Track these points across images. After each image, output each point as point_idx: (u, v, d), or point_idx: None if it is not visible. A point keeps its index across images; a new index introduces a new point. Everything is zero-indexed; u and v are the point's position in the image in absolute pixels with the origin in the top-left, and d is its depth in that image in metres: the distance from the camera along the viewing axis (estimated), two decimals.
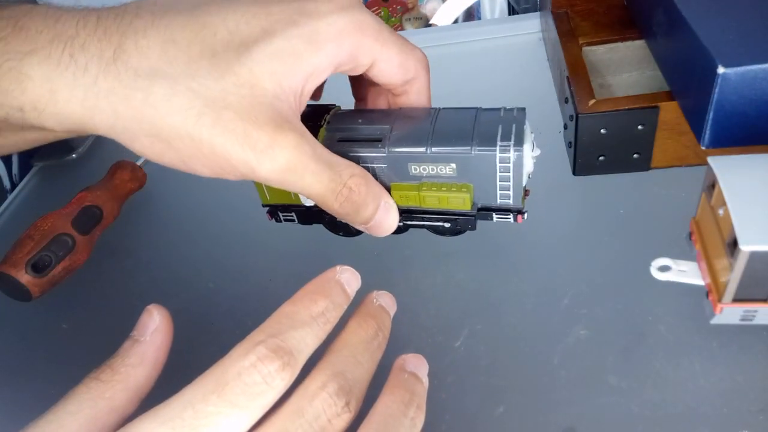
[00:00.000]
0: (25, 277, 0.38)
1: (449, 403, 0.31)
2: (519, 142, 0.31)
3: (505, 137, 0.31)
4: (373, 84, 0.35)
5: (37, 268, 0.39)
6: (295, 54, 0.26)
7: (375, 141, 0.32)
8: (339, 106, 0.36)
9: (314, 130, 0.33)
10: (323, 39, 0.27)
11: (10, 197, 0.55)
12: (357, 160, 0.32)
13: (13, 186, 0.56)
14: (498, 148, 0.31)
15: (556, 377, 0.31)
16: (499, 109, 0.33)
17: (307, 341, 0.22)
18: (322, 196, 0.29)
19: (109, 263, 0.44)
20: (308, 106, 0.33)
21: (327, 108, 0.36)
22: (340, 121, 0.34)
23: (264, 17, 0.26)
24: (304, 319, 0.22)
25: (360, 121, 0.34)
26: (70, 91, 0.24)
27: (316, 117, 0.34)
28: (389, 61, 0.30)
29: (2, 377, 0.39)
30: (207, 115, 0.25)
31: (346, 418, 0.22)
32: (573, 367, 0.32)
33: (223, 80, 0.25)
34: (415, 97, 0.34)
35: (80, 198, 0.43)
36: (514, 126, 0.32)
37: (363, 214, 0.31)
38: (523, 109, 0.33)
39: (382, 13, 0.78)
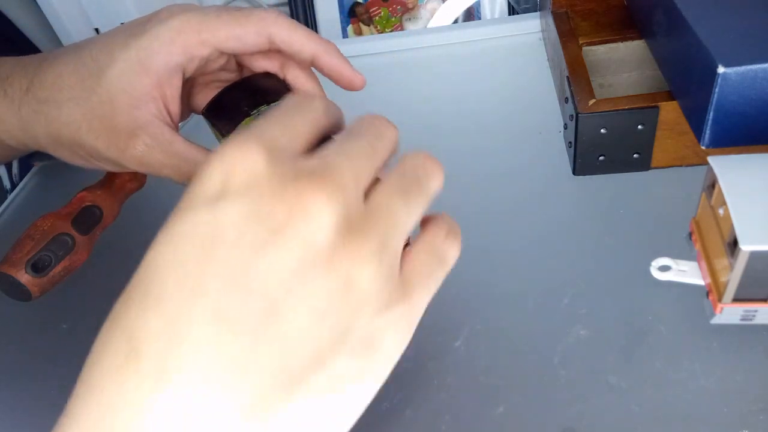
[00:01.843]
0: (24, 277, 0.38)
1: (449, 403, 0.31)
2: None
3: None
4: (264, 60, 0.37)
5: (37, 267, 0.39)
6: (133, 72, 0.32)
7: None
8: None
9: (240, 117, 0.34)
10: (153, 53, 0.32)
11: (10, 197, 0.55)
12: None
13: (13, 186, 0.56)
14: None
15: (556, 377, 0.31)
16: None
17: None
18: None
19: (109, 263, 0.44)
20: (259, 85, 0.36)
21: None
22: None
23: (109, 46, 0.33)
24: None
25: None
26: (8, 116, 0.35)
27: (255, 103, 0.34)
28: (228, 41, 0.33)
29: (2, 377, 0.39)
30: (84, 126, 0.33)
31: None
32: (573, 366, 0.32)
33: (92, 99, 0.32)
34: (295, 49, 0.34)
35: (80, 198, 0.43)
36: None
37: None
38: None
39: (382, 13, 0.78)
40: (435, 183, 0.24)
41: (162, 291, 0.19)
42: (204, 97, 0.38)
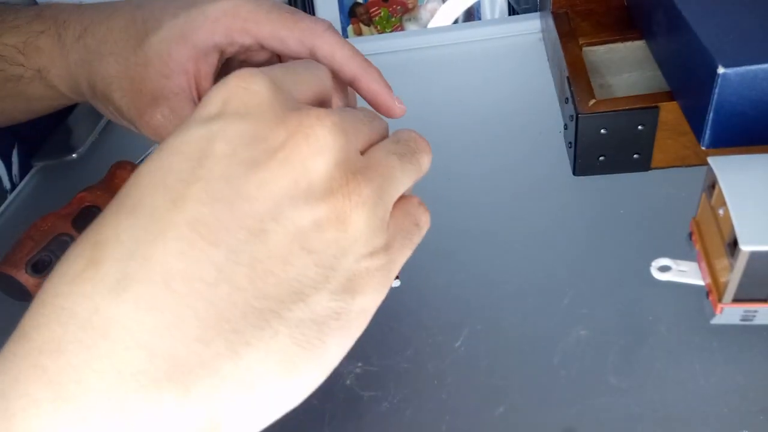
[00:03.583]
0: (24, 277, 0.38)
1: (449, 403, 0.31)
2: None
3: None
4: None
5: (37, 268, 0.39)
6: (174, 40, 0.32)
7: None
8: None
9: None
10: (197, 27, 0.32)
11: (10, 197, 0.55)
12: None
13: (13, 186, 0.56)
14: None
15: (556, 377, 0.31)
16: None
17: None
18: None
19: None
20: None
21: None
22: None
23: (161, 11, 0.33)
24: None
25: None
26: (59, 60, 0.35)
27: None
28: (270, 39, 0.32)
29: None
30: (115, 84, 0.33)
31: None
32: (573, 367, 0.32)
33: (130, 59, 0.33)
34: (335, 67, 0.33)
35: (80, 198, 0.43)
36: None
37: None
38: None
39: (382, 13, 0.78)
40: (425, 159, 0.24)
41: (139, 200, 0.18)
42: None
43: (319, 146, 0.19)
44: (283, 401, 0.19)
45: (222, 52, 0.33)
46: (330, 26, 0.33)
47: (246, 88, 0.19)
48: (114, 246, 0.17)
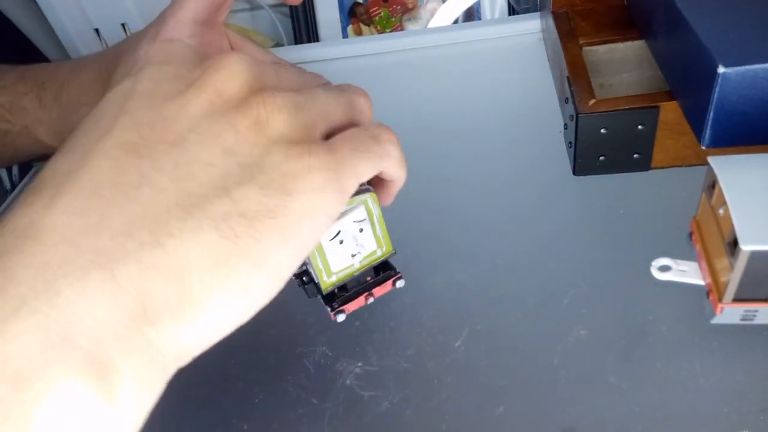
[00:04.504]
0: None
1: (449, 403, 0.31)
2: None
3: None
4: None
5: None
6: None
7: None
8: None
9: None
10: None
11: (10, 197, 0.55)
12: None
13: (13, 186, 0.56)
14: None
15: (557, 377, 0.31)
16: None
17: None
18: None
19: None
20: None
21: None
22: None
23: (120, 54, 0.36)
24: None
25: None
26: (44, 119, 0.39)
27: None
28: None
29: None
30: None
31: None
32: (573, 367, 0.32)
33: None
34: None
35: None
36: None
37: None
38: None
39: (382, 13, 0.78)
40: (358, 100, 0.25)
41: (74, 140, 0.20)
42: None
43: (230, 72, 0.21)
44: (223, 303, 0.19)
45: None
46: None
47: (167, 44, 0.22)
48: (51, 175, 0.19)
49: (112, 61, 0.36)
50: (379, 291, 0.32)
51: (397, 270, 0.32)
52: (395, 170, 0.25)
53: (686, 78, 0.35)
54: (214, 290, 0.19)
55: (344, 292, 0.31)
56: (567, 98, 0.42)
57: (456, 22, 0.74)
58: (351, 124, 0.25)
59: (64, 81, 0.38)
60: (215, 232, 0.19)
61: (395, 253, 0.31)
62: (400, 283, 0.32)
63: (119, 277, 0.18)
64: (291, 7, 0.77)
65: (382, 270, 0.32)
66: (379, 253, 0.30)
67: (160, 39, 0.22)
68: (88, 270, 0.17)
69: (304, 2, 0.76)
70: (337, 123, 0.24)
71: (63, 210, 0.18)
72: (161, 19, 0.34)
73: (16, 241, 0.18)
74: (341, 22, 0.78)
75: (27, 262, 0.17)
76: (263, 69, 0.22)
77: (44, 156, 0.44)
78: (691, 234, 0.33)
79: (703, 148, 0.33)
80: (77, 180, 0.18)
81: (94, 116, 0.20)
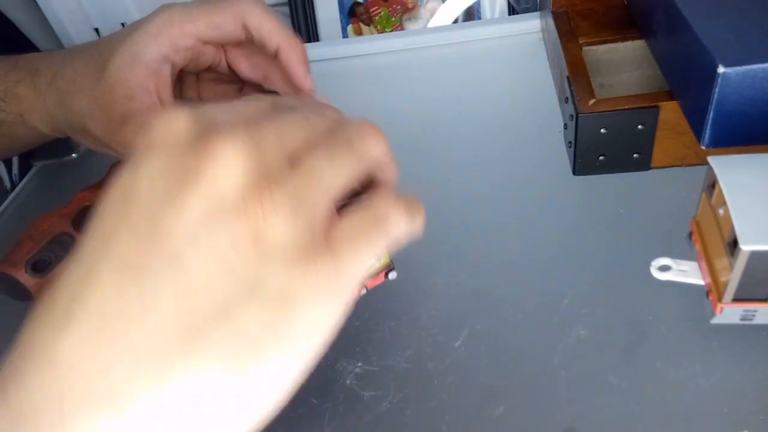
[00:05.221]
0: (24, 277, 0.38)
1: (449, 403, 0.31)
2: None
3: None
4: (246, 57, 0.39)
5: (37, 268, 0.39)
6: (128, 64, 0.35)
7: None
8: None
9: None
10: (143, 46, 0.35)
11: (10, 197, 0.55)
12: None
13: (13, 186, 0.56)
14: None
15: (557, 377, 0.31)
16: None
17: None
18: None
19: None
20: None
21: None
22: None
23: (113, 42, 0.36)
24: None
25: None
26: (38, 106, 0.39)
27: None
28: (207, 30, 0.36)
29: None
30: (88, 115, 0.37)
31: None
32: (573, 366, 0.32)
33: (96, 91, 0.36)
34: (263, 36, 0.35)
35: (80, 198, 0.43)
36: None
37: None
38: None
39: (382, 12, 0.78)
40: (371, 145, 0.23)
41: (82, 249, 0.20)
42: (197, 93, 0.41)
43: (225, 166, 0.19)
44: (238, 420, 0.19)
45: (172, 63, 0.36)
46: (257, 2, 0.36)
47: (163, 125, 0.20)
48: (62, 293, 0.19)
49: (106, 48, 0.36)
50: (371, 283, 0.32)
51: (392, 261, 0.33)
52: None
53: (686, 78, 0.35)
54: (223, 423, 0.19)
55: None
56: (567, 98, 0.42)
57: (456, 21, 0.74)
58: (367, 180, 0.24)
59: (58, 67, 0.38)
60: (219, 364, 0.18)
61: (393, 265, 0.32)
62: (392, 275, 0.32)
63: (129, 413, 0.18)
64: (291, 7, 0.77)
65: None
66: (377, 264, 0.31)
67: (160, 115, 0.20)
68: (99, 407, 0.18)
69: (304, 2, 0.76)
70: (348, 189, 0.22)
71: (76, 337, 0.18)
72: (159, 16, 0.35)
73: (35, 365, 0.18)
74: (341, 21, 0.78)
75: (46, 392, 0.18)
76: (262, 148, 0.20)
77: (42, 148, 0.44)
78: (690, 234, 0.33)
79: (703, 147, 0.33)
80: (85, 303, 0.18)
81: (97, 221, 0.20)
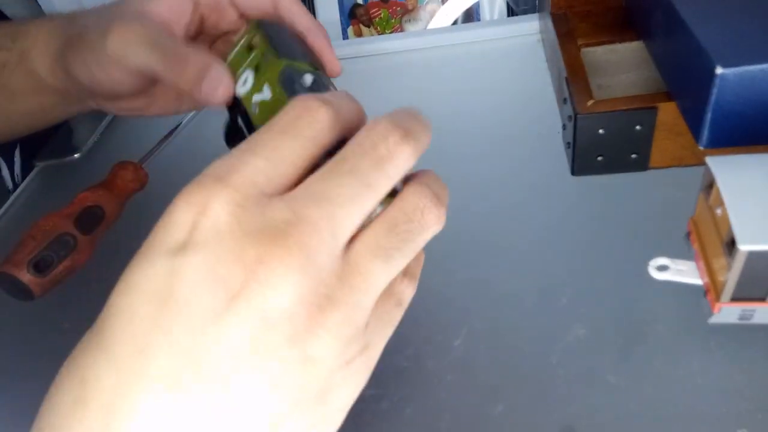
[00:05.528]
0: (26, 277, 0.38)
1: (449, 402, 0.31)
2: None
3: None
4: None
5: (39, 267, 0.39)
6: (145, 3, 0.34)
7: None
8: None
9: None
10: None
11: (12, 197, 0.55)
12: None
13: (15, 186, 0.56)
14: None
15: (555, 376, 0.32)
16: None
17: None
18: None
19: (110, 263, 0.44)
20: None
21: None
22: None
23: None
24: None
25: None
26: (46, 32, 0.37)
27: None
28: None
29: (3, 377, 0.39)
30: (107, 29, 0.33)
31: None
32: (572, 365, 0.32)
33: (116, 12, 0.34)
34: (294, 19, 0.35)
35: (82, 198, 0.43)
36: None
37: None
38: None
39: (382, 14, 0.78)
40: (429, 233, 0.22)
41: (113, 343, 0.18)
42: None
43: (276, 290, 0.18)
44: None
45: (196, 4, 0.35)
46: None
47: (207, 209, 0.18)
48: (95, 389, 0.18)
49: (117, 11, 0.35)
50: None
51: None
52: None
53: (684, 79, 0.35)
54: None
55: None
56: (565, 99, 0.42)
57: (455, 23, 0.74)
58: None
59: (77, 14, 0.37)
60: None
61: None
62: None
63: None
64: None
65: None
66: None
67: (197, 190, 0.18)
68: None
69: (304, 3, 0.76)
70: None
71: None
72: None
73: None
74: (341, 23, 0.78)
75: None
76: (313, 259, 0.18)
77: (45, 148, 0.42)
78: (688, 234, 0.33)
79: (701, 148, 0.33)
80: (122, 419, 0.17)
81: (128, 307, 0.18)
